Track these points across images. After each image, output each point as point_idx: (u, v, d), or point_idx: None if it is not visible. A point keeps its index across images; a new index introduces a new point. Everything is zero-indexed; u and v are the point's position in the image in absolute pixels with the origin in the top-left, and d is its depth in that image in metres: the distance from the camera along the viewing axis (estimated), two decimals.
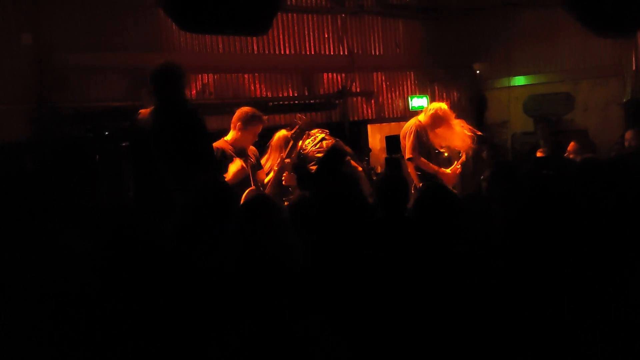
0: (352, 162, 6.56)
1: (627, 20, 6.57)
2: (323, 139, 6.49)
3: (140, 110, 5.13)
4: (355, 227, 3.38)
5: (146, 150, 4.96)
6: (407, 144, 7.17)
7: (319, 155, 6.32)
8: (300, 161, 6.34)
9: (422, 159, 7.08)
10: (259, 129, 6.15)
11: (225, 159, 5.86)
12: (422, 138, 7.15)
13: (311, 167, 6.23)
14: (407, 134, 7.19)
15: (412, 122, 7.30)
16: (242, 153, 6.05)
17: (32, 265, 2.95)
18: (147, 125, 4.97)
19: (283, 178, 6.13)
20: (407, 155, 7.16)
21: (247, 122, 6.06)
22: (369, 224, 3.61)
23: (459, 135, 7.15)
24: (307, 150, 6.44)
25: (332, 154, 6.20)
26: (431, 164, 7.08)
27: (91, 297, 2.71)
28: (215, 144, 5.88)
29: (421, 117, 7.26)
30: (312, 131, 6.58)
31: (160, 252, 3.11)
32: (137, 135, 5.10)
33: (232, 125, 6.12)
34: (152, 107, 5.05)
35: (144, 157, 5.02)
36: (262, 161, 6.39)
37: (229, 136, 6.12)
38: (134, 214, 4.82)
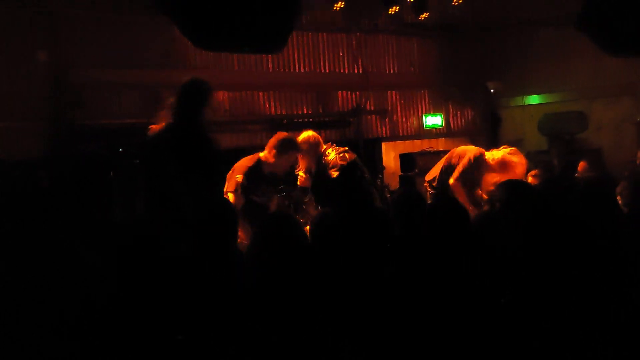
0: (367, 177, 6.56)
1: None
2: (346, 151, 6.48)
3: (151, 126, 5.14)
4: (375, 244, 3.39)
5: (159, 166, 4.98)
6: (458, 168, 6.82)
7: (342, 163, 6.30)
8: (321, 169, 6.35)
9: (461, 189, 6.73)
10: (294, 157, 6.13)
11: (259, 179, 5.88)
12: (474, 171, 6.82)
13: (332, 172, 6.23)
14: (461, 157, 6.88)
15: (474, 150, 6.94)
16: (272, 177, 6.03)
17: (48, 280, 2.98)
18: (162, 141, 4.99)
19: (299, 180, 6.22)
20: (453, 178, 6.79)
21: (282, 149, 6.03)
22: (388, 241, 3.61)
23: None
24: (328, 159, 6.39)
25: (353, 167, 6.25)
26: (465, 196, 6.67)
27: (106, 310, 2.73)
28: (248, 161, 5.95)
29: (489, 155, 6.84)
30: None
31: (174, 266, 3.13)
32: (151, 150, 5.12)
33: (267, 148, 6.09)
34: (167, 123, 5.05)
35: (157, 172, 5.03)
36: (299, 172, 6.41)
37: (264, 155, 6.09)
38: (147, 229, 4.83)
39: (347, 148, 6.55)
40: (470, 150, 6.95)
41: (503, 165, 6.71)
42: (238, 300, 2.95)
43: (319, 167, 6.36)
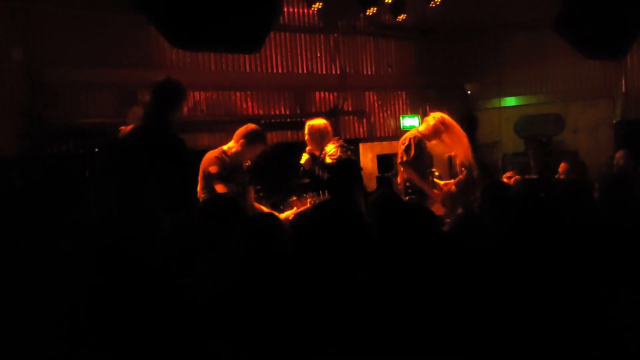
0: (359, 191, 6.63)
1: (617, 43, 6.62)
2: (350, 148, 6.61)
3: (121, 127, 5.10)
4: (351, 246, 3.37)
5: (126, 167, 4.97)
6: (400, 150, 7.03)
7: (341, 155, 6.39)
8: (320, 160, 6.50)
9: (413, 171, 6.91)
10: (260, 149, 6.14)
11: (223, 169, 5.87)
12: (419, 149, 6.96)
13: (327, 158, 6.35)
14: (405, 140, 7.04)
15: (412, 131, 7.16)
16: (237, 167, 6.03)
17: (20, 280, 2.94)
18: (130, 143, 4.98)
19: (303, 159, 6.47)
20: (399, 159, 7.02)
21: (251, 140, 6.05)
22: (364, 242, 3.59)
23: (463, 143, 7.06)
24: (327, 148, 6.49)
25: (352, 164, 6.34)
26: (420, 180, 6.90)
27: (78, 312, 2.70)
28: (213, 153, 5.92)
29: (421, 128, 7.12)
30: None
31: (148, 268, 3.10)
32: (118, 152, 5.09)
33: (234, 138, 6.09)
34: (136, 125, 5.03)
35: (124, 174, 5.01)
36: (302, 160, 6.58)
37: (228, 146, 6.08)
38: (121, 230, 4.79)
39: (352, 147, 6.67)
40: (408, 134, 7.13)
41: (444, 125, 7.03)
42: (217, 300, 2.92)
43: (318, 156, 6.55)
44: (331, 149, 6.48)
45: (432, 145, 7.09)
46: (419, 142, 6.97)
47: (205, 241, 3.59)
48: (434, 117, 7.11)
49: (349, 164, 6.42)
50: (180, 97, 5.14)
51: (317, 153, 6.59)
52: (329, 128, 6.68)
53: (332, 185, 6.14)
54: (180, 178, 5.07)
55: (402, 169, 7.04)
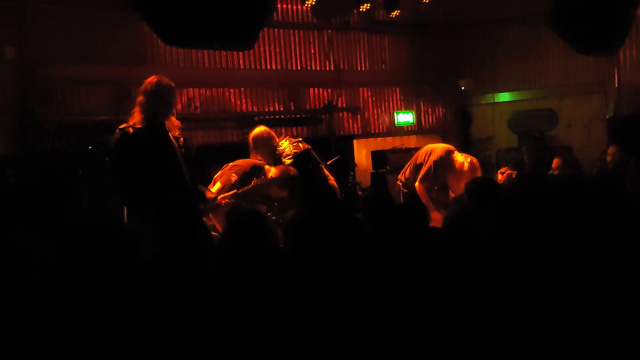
0: (325, 171, 6.56)
1: (610, 38, 6.63)
2: (299, 141, 6.53)
3: (119, 127, 5.13)
4: (343, 242, 3.38)
5: (125, 166, 5.03)
6: (423, 169, 6.92)
7: (295, 151, 6.34)
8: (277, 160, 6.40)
9: (424, 191, 6.85)
10: (271, 148, 6.28)
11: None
12: (439, 170, 6.89)
13: (285, 161, 6.26)
14: (427, 156, 6.97)
15: (439, 150, 7.00)
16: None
17: (13, 279, 2.93)
18: (126, 143, 5.03)
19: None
20: (417, 180, 6.90)
21: (254, 144, 6.26)
22: (356, 239, 3.60)
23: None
24: (281, 149, 6.41)
25: (307, 153, 6.29)
26: (427, 198, 6.85)
27: (69, 312, 2.70)
28: (249, 163, 6.09)
29: (458, 157, 6.92)
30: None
31: (141, 266, 3.10)
32: (117, 152, 5.13)
33: (252, 149, 6.33)
34: (129, 125, 5.08)
35: (123, 172, 5.06)
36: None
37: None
38: (115, 229, 4.79)
39: (300, 139, 6.61)
40: (436, 150, 7.00)
41: (472, 168, 6.79)
42: (207, 299, 2.92)
43: (275, 158, 6.39)
44: (285, 149, 6.40)
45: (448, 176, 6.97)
46: (445, 161, 6.89)
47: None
48: (469, 161, 6.90)
49: (305, 156, 6.37)
50: (169, 95, 5.18)
51: (270, 160, 6.37)
52: (272, 133, 6.50)
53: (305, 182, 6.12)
54: (176, 174, 5.12)
55: (420, 189, 6.92)
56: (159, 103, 5.11)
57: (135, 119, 5.11)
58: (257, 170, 5.98)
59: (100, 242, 2.99)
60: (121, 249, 3.03)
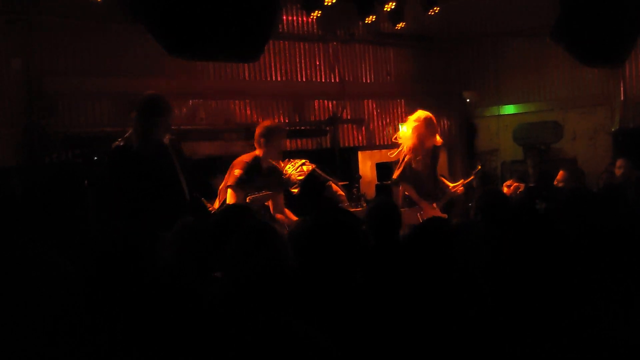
0: (334, 187, 6.54)
1: (615, 51, 6.63)
2: (303, 164, 6.50)
3: (114, 143, 5.17)
4: (348, 254, 3.37)
5: (121, 182, 5.06)
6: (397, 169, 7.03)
7: (300, 178, 6.33)
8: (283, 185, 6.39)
9: (407, 185, 6.92)
10: (282, 143, 6.15)
11: (257, 173, 5.90)
12: (411, 163, 6.98)
13: (292, 190, 6.25)
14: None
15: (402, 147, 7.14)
16: (272, 170, 6.05)
17: (19, 290, 2.93)
18: (121, 158, 5.07)
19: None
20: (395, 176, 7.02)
21: (269, 135, 6.08)
22: (362, 251, 3.59)
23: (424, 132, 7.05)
24: (287, 175, 6.41)
25: (311, 179, 6.25)
26: (416, 195, 6.90)
27: (78, 324, 2.69)
28: (244, 157, 6.02)
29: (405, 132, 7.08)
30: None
31: (149, 278, 3.09)
32: (112, 167, 5.16)
33: (255, 143, 6.12)
34: (123, 141, 5.12)
35: (121, 188, 5.10)
36: None
37: (258, 152, 6.13)
38: (122, 240, 4.80)
39: (304, 161, 6.57)
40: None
41: (420, 127, 6.98)
42: (213, 310, 2.92)
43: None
44: (289, 175, 6.39)
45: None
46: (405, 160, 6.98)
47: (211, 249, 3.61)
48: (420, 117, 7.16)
49: (310, 181, 6.36)
50: (161, 111, 5.22)
51: (275, 161, 6.34)
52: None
53: (307, 201, 6.12)
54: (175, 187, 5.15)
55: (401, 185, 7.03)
56: (154, 120, 5.15)
57: (131, 134, 5.14)
58: (257, 162, 5.95)
59: (116, 251, 3.00)
60: (136, 258, 3.03)
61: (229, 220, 3.89)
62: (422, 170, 7.02)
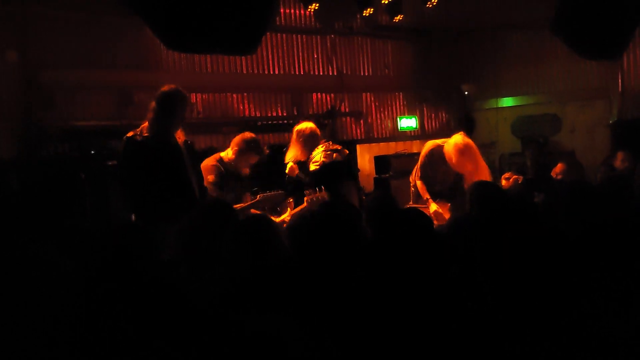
0: (352, 189, 6.47)
1: (613, 43, 6.62)
2: (336, 150, 6.42)
3: (127, 134, 5.14)
4: (346, 247, 3.36)
5: (135, 174, 5.04)
6: (416, 166, 6.90)
7: (325, 160, 6.27)
8: (305, 167, 6.38)
9: (423, 186, 6.72)
10: (254, 159, 6.10)
11: (219, 178, 5.87)
12: (429, 164, 6.78)
13: (310, 165, 6.24)
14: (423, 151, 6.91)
15: (431, 143, 6.99)
16: (234, 174, 6.02)
17: (15, 285, 2.91)
18: (135, 151, 5.04)
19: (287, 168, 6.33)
20: (416, 177, 6.82)
21: (245, 149, 6.02)
22: (360, 244, 3.58)
23: (483, 170, 6.69)
24: (314, 153, 6.36)
25: (335, 166, 6.22)
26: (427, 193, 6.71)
27: (76, 319, 2.68)
28: (210, 160, 5.96)
29: (447, 147, 6.71)
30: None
31: (148, 271, 3.08)
32: (126, 159, 5.14)
33: (231, 145, 6.08)
34: (139, 132, 5.09)
35: (133, 180, 5.08)
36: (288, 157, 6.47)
37: (224, 153, 6.08)
38: (120, 233, 4.79)
39: (340, 148, 6.51)
40: (426, 146, 6.96)
41: (462, 150, 6.61)
42: (214, 303, 2.91)
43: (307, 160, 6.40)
44: (316, 155, 6.35)
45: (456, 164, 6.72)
46: (435, 154, 6.78)
47: (203, 244, 3.59)
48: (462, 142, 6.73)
49: (332, 168, 6.29)
50: (183, 105, 5.20)
51: (303, 158, 6.43)
52: (318, 131, 6.53)
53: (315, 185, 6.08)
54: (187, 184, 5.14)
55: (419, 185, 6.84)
56: (172, 114, 5.12)
57: (145, 126, 5.11)
58: (221, 163, 5.94)
59: (118, 247, 2.99)
60: (139, 254, 3.02)
61: (215, 215, 3.87)
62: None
